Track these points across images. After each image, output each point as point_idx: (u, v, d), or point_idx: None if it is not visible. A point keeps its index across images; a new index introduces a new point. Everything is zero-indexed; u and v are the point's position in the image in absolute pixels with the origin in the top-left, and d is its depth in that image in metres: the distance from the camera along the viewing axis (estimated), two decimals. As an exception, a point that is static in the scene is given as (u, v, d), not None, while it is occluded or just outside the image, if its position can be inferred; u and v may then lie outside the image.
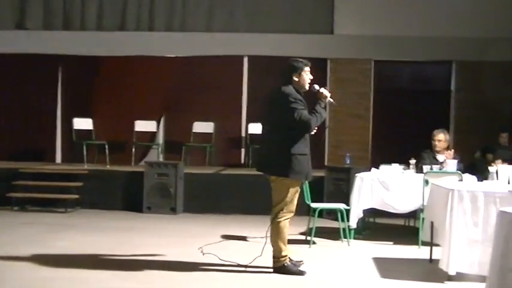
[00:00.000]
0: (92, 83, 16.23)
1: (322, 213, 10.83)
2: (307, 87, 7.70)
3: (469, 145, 14.36)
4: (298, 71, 7.68)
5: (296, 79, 7.65)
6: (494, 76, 15.55)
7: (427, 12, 15.60)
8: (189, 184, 13.33)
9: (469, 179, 9.45)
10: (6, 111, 16.20)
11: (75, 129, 15.29)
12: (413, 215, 10.60)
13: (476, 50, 15.43)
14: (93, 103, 16.11)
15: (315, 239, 9.61)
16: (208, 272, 7.72)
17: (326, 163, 15.03)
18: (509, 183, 7.85)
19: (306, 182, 8.46)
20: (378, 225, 11.53)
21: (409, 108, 15.93)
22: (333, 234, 10.20)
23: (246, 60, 16.25)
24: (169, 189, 12.95)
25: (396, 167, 10.59)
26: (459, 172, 9.42)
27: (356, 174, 10.30)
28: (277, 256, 7.66)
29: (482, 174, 9.71)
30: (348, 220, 9.85)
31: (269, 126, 7.86)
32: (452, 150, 10.75)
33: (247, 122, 15.94)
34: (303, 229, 10.24)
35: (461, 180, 9.08)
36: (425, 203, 8.93)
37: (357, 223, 10.03)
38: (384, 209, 10.09)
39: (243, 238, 10.21)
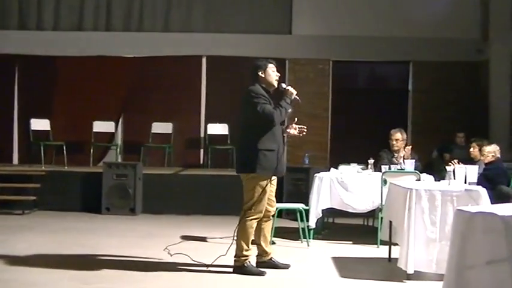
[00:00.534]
0: (49, 84, 16.03)
1: (281, 214, 10.84)
2: (275, 83, 7.75)
3: (426, 145, 14.51)
4: (263, 67, 7.74)
5: (262, 75, 7.71)
6: (451, 76, 15.72)
7: (385, 13, 15.73)
8: (148, 185, 13.27)
9: (427, 178, 9.56)
10: (-39, 112, 15.98)
11: (33, 130, 15.13)
12: (372, 214, 10.68)
13: (433, 51, 15.59)
14: (51, 104, 15.93)
15: (275, 239, 9.60)
16: (171, 272, 7.70)
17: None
18: (465, 182, 7.94)
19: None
20: (337, 225, 11.60)
21: (367, 108, 16.06)
22: (292, 234, 10.21)
23: (204, 60, 16.23)
24: (128, 190, 12.88)
25: (355, 167, 10.67)
26: (417, 172, 9.50)
27: (315, 174, 10.32)
28: (238, 255, 7.65)
29: (439, 174, 9.83)
30: (307, 220, 9.87)
31: (240, 126, 7.88)
32: (410, 147, 10.84)
33: (206, 123, 15.92)
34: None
35: (419, 179, 9.16)
36: (383, 203, 8.97)
37: (316, 223, 10.07)
38: (342, 209, 10.13)
39: (203, 239, 10.19)
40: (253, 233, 7.68)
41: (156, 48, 15.92)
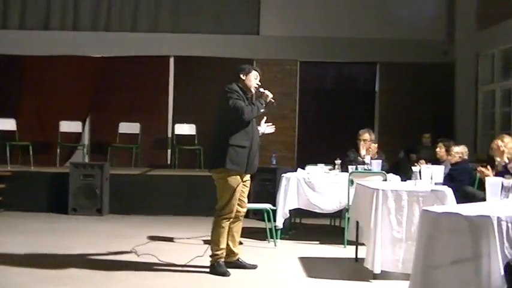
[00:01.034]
0: (15, 83, 15.90)
1: (248, 214, 10.82)
2: (252, 89, 7.82)
3: (393, 145, 14.59)
4: (246, 70, 7.81)
5: (243, 77, 7.76)
6: (417, 77, 15.83)
7: (352, 14, 15.83)
8: (115, 185, 13.21)
9: (393, 178, 9.62)
10: None
11: (-2, 130, 15.01)
12: (339, 214, 10.73)
13: (400, 52, 15.71)
14: (17, 103, 15.81)
15: (242, 239, 9.58)
16: (138, 272, 7.67)
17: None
18: (432, 182, 7.99)
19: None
20: (304, 225, 11.64)
21: (335, 109, 16.13)
22: (259, 235, 10.22)
23: (172, 60, 16.20)
24: (95, 191, 12.82)
25: (322, 167, 10.71)
26: (383, 172, 9.56)
27: (282, 175, 10.33)
28: (211, 254, 7.70)
29: (405, 174, 9.88)
30: (275, 220, 9.89)
31: (214, 122, 7.89)
32: (376, 145, 10.92)
33: (174, 123, 15.89)
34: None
35: (385, 180, 9.22)
36: (350, 203, 9.01)
37: (284, 223, 10.09)
38: (310, 209, 10.15)
39: (170, 239, 10.16)
40: (225, 232, 7.68)
41: (124, 48, 15.87)
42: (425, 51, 15.64)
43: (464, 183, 9.92)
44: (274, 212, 9.92)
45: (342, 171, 10.34)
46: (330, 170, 10.64)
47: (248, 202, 8.17)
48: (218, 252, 7.67)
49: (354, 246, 8.52)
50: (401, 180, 9.39)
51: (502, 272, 4.86)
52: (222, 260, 7.71)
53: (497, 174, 8.04)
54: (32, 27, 16.20)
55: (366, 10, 15.81)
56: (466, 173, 10.44)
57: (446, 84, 15.68)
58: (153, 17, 16.31)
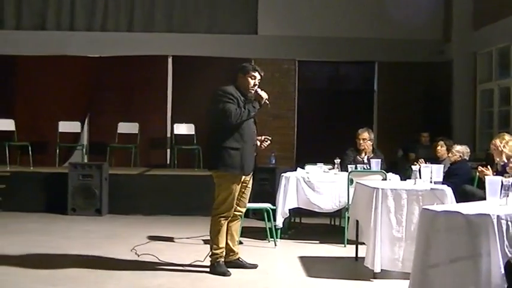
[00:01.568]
0: (13, 83, 15.92)
1: (248, 213, 10.84)
2: (249, 91, 7.71)
3: (391, 144, 14.62)
4: (245, 70, 7.73)
5: (241, 77, 7.71)
6: (415, 77, 15.86)
7: (350, 14, 15.84)
8: (114, 185, 13.20)
9: (393, 177, 9.63)
10: None
11: (-3, 130, 15.00)
12: (339, 214, 10.72)
13: (397, 51, 15.72)
14: (15, 103, 15.83)
15: (241, 239, 9.61)
16: (138, 272, 7.67)
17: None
18: (431, 181, 8.01)
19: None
20: (304, 225, 11.64)
21: (333, 108, 16.16)
22: (259, 234, 10.23)
23: (170, 60, 16.21)
24: (94, 191, 12.81)
25: (321, 167, 10.71)
26: (383, 171, 9.57)
27: (281, 174, 10.33)
28: (210, 254, 7.72)
29: (404, 173, 9.90)
30: (274, 220, 9.89)
31: (208, 124, 7.91)
32: (371, 143, 10.95)
33: (172, 123, 15.90)
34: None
35: (385, 179, 9.23)
36: (350, 202, 9.01)
37: (283, 223, 10.09)
38: (309, 209, 10.15)
39: (170, 239, 10.17)
40: (223, 231, 7.68)
41: (122, 48, 15.87)
42: (422, 50, 15.66)
43: (464, 182, 9.92)
44: (274, 211, 9.91)
45: (341, 171, 10.34)
46: (330, 169, 10.64)
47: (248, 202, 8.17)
48: (217, 252, 7.67)
49: (354, 246, 8.54)
50: (401, 180, 9.40)
51: (502, 271, 4.88)
52: (222, 259, 7.72)
53: (496, 174, 8.05)
54: (28, 27, 16.18)
55: (363, 10, 15.81)
56: (465, 171, 10.46)
57: (444, 83, 15.69)
58: (149, 17, 16.30)
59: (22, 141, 14.92)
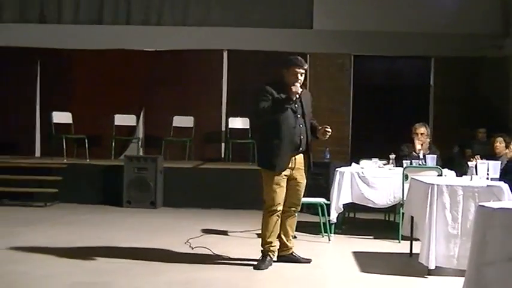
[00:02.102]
0: (71, 77, 16.10)
1: (302, 208, 10.82)
2: (291, 86, 7.46)
3: (447, 140, 14.46)
4: (287, 65, 7.63)
5: (285, 72, 7.65)
6: (472, 72, 15.67)
7: (406, 8, 15.67)
8: (169, 178, 13.32)
9: (449, 174, 9.53)
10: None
11: (55, 123, 15.15)
12: (393, 209, 10.62)
13: (454, 46, 15.51)
14: (73, 97, 16.00)
15: (296, 234, 9.60)
16: (192, 264, 7.72)
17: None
18: (488, 178, 7.91)
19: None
20: (358, 220, 11.59)
21: (388, 103, 16.02)
22: (313, 229, 10.21)
23: (226, 54, 16.24)
24: (149, 184, 12.93)
25: (376, 162, 10.64)
26: (439, 167, 9.47)
27: (336, 169, 10.31)
28: (262, 248, 7.73)
29: (460, 169, 9.78)
30: (328, 214, 9.87)
31: None
32: (428, 140, 10.85)
33: (227, 116, 15.94)
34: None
35: (440, 175, 9.14)
36: (405, 198, 8.96)
37: (337, 217, 10.06)
38: (363, 204, 10.13)
39: (224, 232, 10.21)
40: (274, 226, 7.68)
41: (177, 42, 15.95)
42: (480, 45, 15.45)
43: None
44: (328, 206, 9.89)
45: (396, 166, 10.28)
46: (384, 164, 10.57)
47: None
48: (267, 247, 7.70)
49: (409, 242, 8.48)
50: (457, 176, 9.30)
51: (561, 269, 4.80)
52: (272, 253, 7.73)
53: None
54: (85, 22, 16.40)
55: (420, 3, 15.64)
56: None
57: (501, 78, 15.48)
58: (205, 11, 16.37)
59: (79, 134, 15.10)
